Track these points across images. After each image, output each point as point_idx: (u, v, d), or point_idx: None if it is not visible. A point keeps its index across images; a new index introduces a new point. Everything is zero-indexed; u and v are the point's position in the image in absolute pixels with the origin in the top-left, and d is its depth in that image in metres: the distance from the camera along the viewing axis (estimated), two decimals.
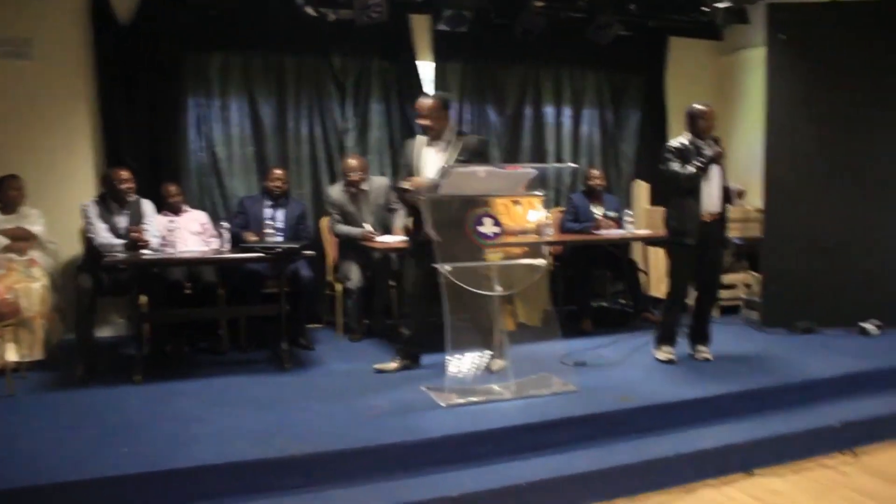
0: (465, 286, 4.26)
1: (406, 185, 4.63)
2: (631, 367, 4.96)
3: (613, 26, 6.77)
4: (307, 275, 5.51)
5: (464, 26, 6.50)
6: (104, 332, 5.90)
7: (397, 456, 3.55)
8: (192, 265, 5.44)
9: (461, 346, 4.30)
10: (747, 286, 6.62)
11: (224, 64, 6.27)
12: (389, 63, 6.71)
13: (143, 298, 5.01)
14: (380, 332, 5.93)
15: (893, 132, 6.00)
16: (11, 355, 4.62)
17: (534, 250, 4.80)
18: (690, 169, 4.83)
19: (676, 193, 5.00)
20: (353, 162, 5.99)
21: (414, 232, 4.78)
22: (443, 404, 4.09)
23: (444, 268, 4.25)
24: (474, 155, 4.63)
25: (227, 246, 5.07)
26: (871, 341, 5.71)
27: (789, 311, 6.02)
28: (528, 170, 4.55)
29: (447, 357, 4.23)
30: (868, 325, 5.85)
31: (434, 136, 4.69)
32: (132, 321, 5.44)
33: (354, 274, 5.78)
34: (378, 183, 6.10)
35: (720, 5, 5.67)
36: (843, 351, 5.38)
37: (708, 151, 4.84)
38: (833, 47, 6.02)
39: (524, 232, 5.45)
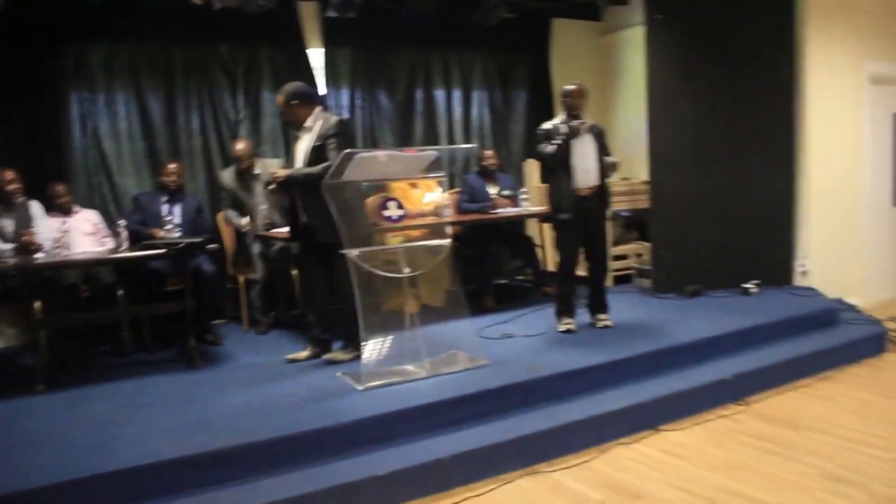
0: (374, 270, 4.33)
1: (275, 175, 4.67)
2: (536, 339, 5.14)
3: (499, 8, 6.90)
4: (210, 269, 5.44)
5: (352, 12, 6.48)
6: None
7: (321, 440, 3.60)
8: (90, 267, 5.25)
9: (373, 330, 4.35)
10: (638, 255, 6.94)
11: (107, 55, 6.03)
12: (279, 51, 6.63)
13: (37, 305, 4.81)
14: (286, 323, 5.92)
15: (766, 103, 6.40)
16: None
17: (435, 232, 4.91)
18: (550, 148, 5.08)
19: (551, 172, 5.28)
20: (239, 147, 5.93)
21: (293, 221, 4.85)
22: (359, 387, 4.15)
23: (352, 253, 4.31)
24: (330, 137, 4.62)
25: (126, 245, 4.94)
26: (752, 300, 6.12)
27: (678, 277, 6.36)
28: (428, 152, 4.62)
29: (361, 342, 4.27)
30: (749, 286, 6.25)
31: (296, 126, 4.78)
32: (27, 329, 5.20)
33: (257, 264, 5.74)
34: (272, 166, 6.02)
35: None
36: (728, 310, 5.75)
37: (564, 129, 5.07)
38: (707, 24, 6.36)
39: (423, 214, 5.58)
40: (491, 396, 4.08)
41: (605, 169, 5.18)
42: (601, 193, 5.20)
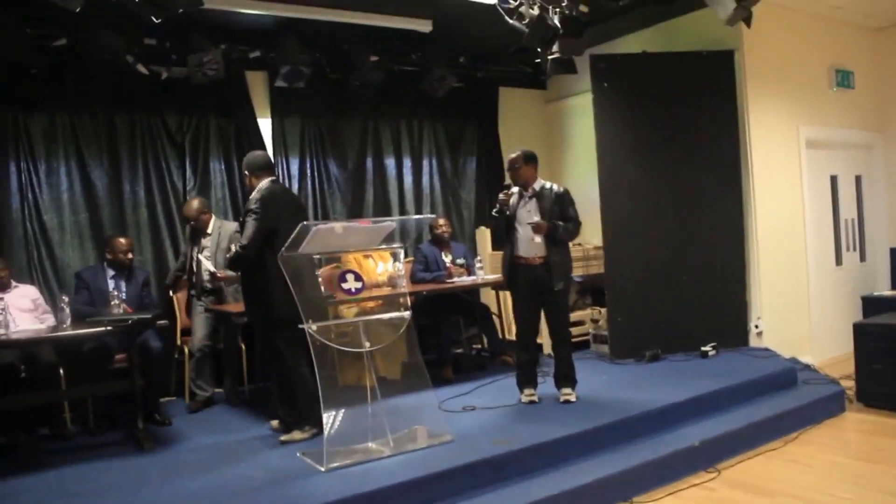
0: (333, 345, 4.19)
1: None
2: (499, 411, 5.01)
3: (446, 79, 6.96)
4: (157, 345, 5.21)
5: (301, 82, 6.45)
6: None
7: None
8: (32, 346, 4.93)
9: (332, 405, 4.17)
10: (594, 321, 6.91)
11: (49, 124, 5.84)
12: (227, 120, 6.53)
13: None
14: (234, 399, 5.69)
15: (712, 167, 6.52)
16: None
17: (393, 303, 4.81)
18: (493, 222, 5.15)
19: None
20: (193, 205, 5.85)
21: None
22: (322, 468, 3.95)
23: (311, 327, 4.16)
24: (249, 210, 4.59)
25: (68, 322, 4.69)
26: (711, 362, 6.12)
27: (636, 342, 6.35)
28: (386, 223, 4.54)
29: (323, 417, 4.09)
30: (707, 348, 6.26)
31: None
32: None
33: (199, 332, 5.55)
34: (229, 228, 5.91)
35: (550, 57, 5.96)
36: (689, 374, 5.73)
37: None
38: (651, 91, 6.52)
39: (378, 285, 5.48)
40: (460, 473, 3.92)
41: (564, 237, 5.08)
42: (547, 264, 5.02)
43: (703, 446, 4.59)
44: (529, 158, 5.10)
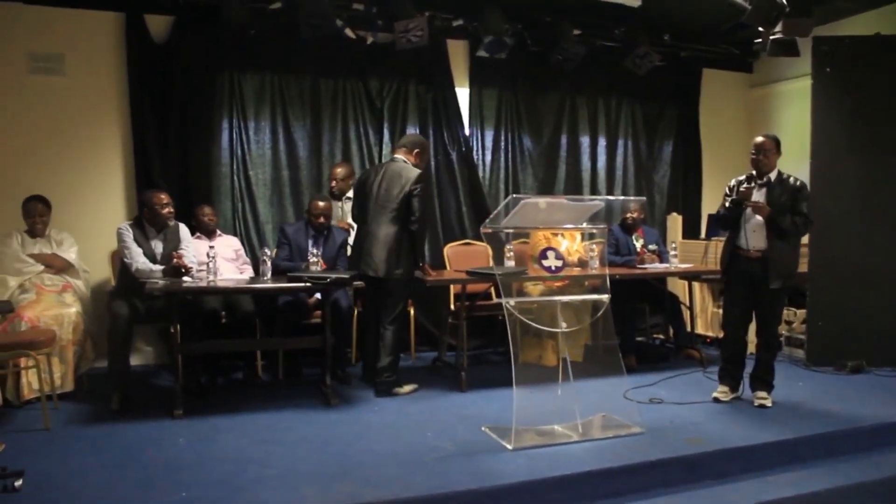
0: (532, 323, 4.11)
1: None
2: (688, 407, 4.77)
3: (650, 56, 6.67)
4: (346, 304, 5.32)
5: (503, 53, 6.37)
6: (132, 361, 5.66)
7: (474, 502, 3.34)
8: (235, 294, 5.17)
9: (527, 383, 4.09)
10: (788, 323, 6.47)
11: (260, 84, 6.09)
12: (426, 87, 6.56)
13: (178, 328, 4.76)
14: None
15: None
16: (45, 386, 4.36)
17: (583, 284, 4.66)
18: (722, 210, 4.81)
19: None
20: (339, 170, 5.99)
21: None
22: (509, 447, 3.89)
23: (509, 302, 4.09)
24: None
25: (269, 275, 4.87)
26: None
27: (837, 350, 5.88)
28: (595, 202, 4.38)
29: (514, 395, 4.01)
30: None
31: None
32: (169, 352, 5.18)
33: None
34: None
35: (772, 37, 5.55)
36: None
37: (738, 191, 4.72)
38: (877, 80, 5.96)
39: (569, 265, 5.34)
40: (650, 469, 3.75)
41: (781, 231, 4.67)
42: (764, 259, 4.69)
43: None
44: (778, 145, 4.79)
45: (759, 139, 4.78)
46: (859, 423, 4.46)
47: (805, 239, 5.69)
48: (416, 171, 5.01)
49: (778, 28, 5.51)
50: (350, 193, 5.88)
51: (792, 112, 7.29)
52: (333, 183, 5.98)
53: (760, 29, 5.60)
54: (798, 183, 4.75)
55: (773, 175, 4.75)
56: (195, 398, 4.76)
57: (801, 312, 6.31)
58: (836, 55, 5.97)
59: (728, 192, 4.86)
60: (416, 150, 5.22)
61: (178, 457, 3.74)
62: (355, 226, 5.65)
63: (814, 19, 5.52)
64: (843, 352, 5.86)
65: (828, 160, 5.99)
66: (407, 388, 5.09)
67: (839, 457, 4.24)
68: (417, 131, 6.51)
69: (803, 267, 6.10)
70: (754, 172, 4.79)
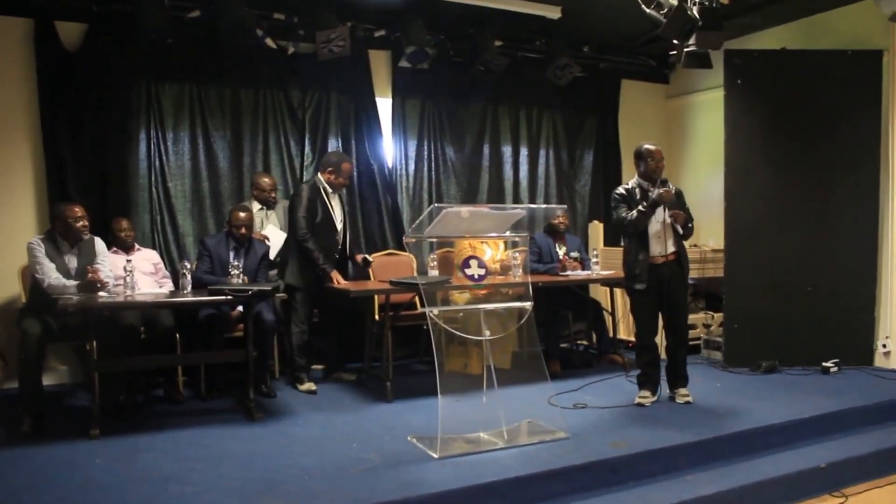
0: (455, 332, 4.13)
1: None
2: (611, 411, 4.85)
3: (571, 67, 6.81)
4: (270, 318, 5.24)
5: (425, 63, 6.41)
6: (46, 381, 5.45)
7: None
8: (151, 309, 5.03)
9: (452, 392, 4.10)
10: (706, 326, 6.65)
11: (178, 94, 5.97)
12: (348, 98, 6.53)
13: (94, 345, 4.60)
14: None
15: (849, 172, 6.17)
16: None
17: (507, 291, 4.71)
18: (633, 214, 4.83)
19: (626, 238, 5.04)
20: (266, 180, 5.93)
21: None
22: (435, 455, 3.89)
23: (432, 311, 4.10)
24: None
25: (189, 288, 4.77)
26: (833, 380, 5.78)
27: (751, 351, 6.08)
28: (516, 210, 4.43)
29: (440, 404, 4.00)
30: (829, 364, 5.93)
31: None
32: (86, 370, 5.01)
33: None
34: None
35: (686, 50, 5.72)
36: (810, 390, 5.42)
37: (653, 195, 4.82)
38: (785, 92, 6.20)
39: (492, 273, 5.39)
40: (576, 473, 3.79)
41: (686, 233, 4.94)
42: (677, 262, 4.93)
43: (829, 468, 4.32)
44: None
45: (655, 147, 4.94)
46: (773, 421, 4.62)
47: (716, 243, 5.90)
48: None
49: (692, 41, 5.67)
50: (283, 204, 5.90)
51: (707, 122, 7.53)
52: (271, 193, 5.89)
53: (675, 42, 5.75)
54: (677, 189, 5.02)
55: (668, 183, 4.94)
56: (113, 417, 4.61)
57: (718, 316, 6.51)
58: (746, 68, 6.20)
59: (621, 198, 4.94)
60: (328, 169, 5.52)
61: (95, 478, 3.61)
62: (271, 238, 5.62)
63: (725, 33, 5.71)
64: (758, 353, 6.06)
65: (741, 168, 6.20)
66: (306, 385, 5.38)
67: (756, 453, 4.39)
68: (339, 142, 6.49)
69: (719, 272, 6.31)
70: (636, 179, 4.97)
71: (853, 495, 4.25)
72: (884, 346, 6.17)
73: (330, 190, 5.55)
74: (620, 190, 5.00)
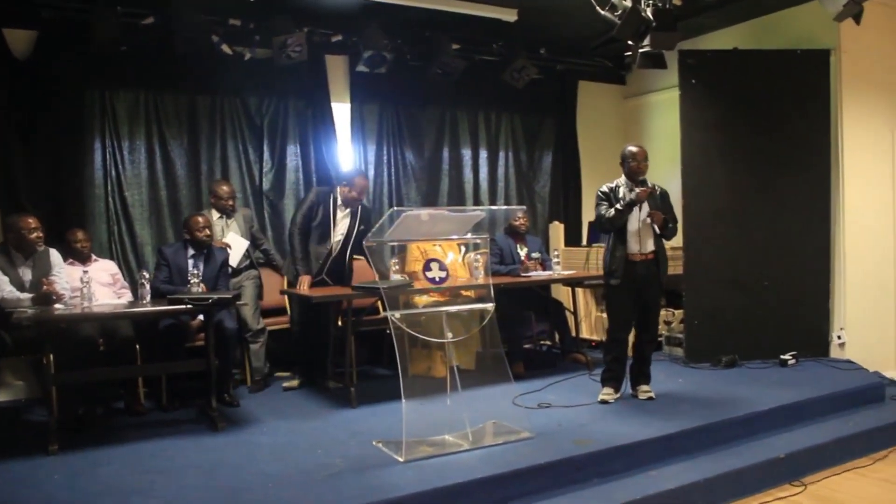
0: (418, 335, 4.13)
1: None
2: (576, 410, 4.88)
3: (528, 70, 6.85)
4: (231, 326, 5.19)
5: (382, 67, 6.41)
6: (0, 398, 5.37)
7: None
8: (109, 320, 4.95)
9: (416, 396, 4.10)
10: (667, 323, 6.73)
11: (133, 102, 5.90)
12: (305, 103, 6.50)
13: (50, 358, 4.51)
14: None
15: (801, 168, 6.29)
16: None
17: (467, 294, 4.73)
18: (611, 211, 4.90)
19: (607, 235, 5.10)
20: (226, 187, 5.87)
21: None
22: (400, 459, 3.88)
23: (394, 315, 4.10)
24: None
25: (148, 298, 4.71)
26: (792, 372, 5.90)
27: (712, 346, 6.17)
28: (475, 212, 4.44)
29: (404, 408, 4.00)
30: (787, 357, 6.04)
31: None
32: (42, 384, 4.91)
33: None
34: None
35: (641, 50, 5.79)
36: (769, 383, 5.53)
37: (630, 194, 4.89)
38: (738, 91, 6.31)
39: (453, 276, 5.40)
40: (541, 472, 3.82)
41: (666, 234, 5.01)
42: (656, 261, 4.98)
43: (788, 458, 4.40)
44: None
45: (638, 148, 5.00)
46: (734, 414, 4.70)
47: (676, 242, 5.97)
48: None
49: (646, 42, 5.73)
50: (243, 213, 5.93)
51: (664, 121, 7.63)
52: (229, 201, 5.83)
53: (630, 43, 5.82)
54: (662, 190, 5.07)
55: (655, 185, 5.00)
56: (72, 432, 4.51)
57: (679, 313, 6.59)
58: (699, 68, 6.29)
59: (604, 196, 5.01)
60: (343, 183, 5.61)
61: (54, 495, 3.54)
62: (233, 245, 5.58)
63: (678, 34, 5.78)
64: (718, 348, 6.15)
65: (697, 167, 6.28)
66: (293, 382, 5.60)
67: (717, 446, 4.46)
68: (298, 148, 6.48)
69: (679, 269, 6.39)
70: (621, 178, 5.01)
71: (812, 483, 4.34)
72: (838, 337, 6.30)
73: (340, 202, 5.58)
74: (604, 188, 5.05)
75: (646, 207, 4.92)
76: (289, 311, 6.15)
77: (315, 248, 5.57)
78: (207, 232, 5.22)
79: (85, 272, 4.72)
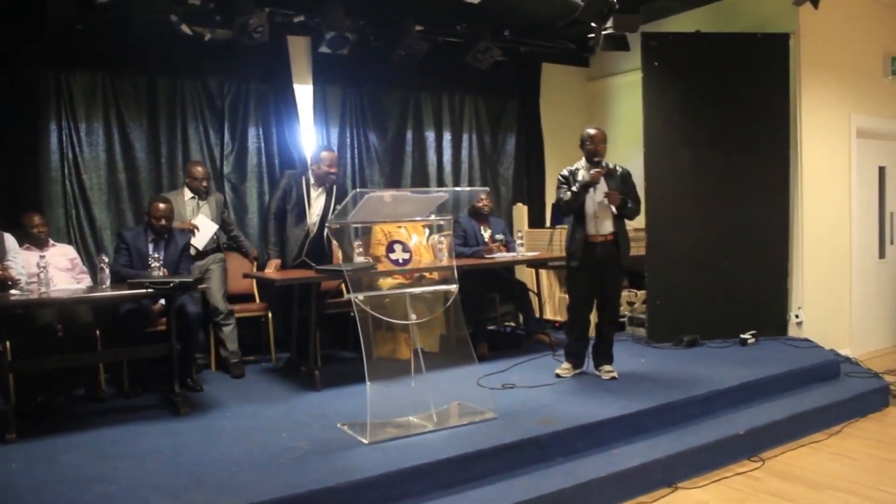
0: (381, 316, 4.13)
1: None
2: (539, 390, 4.93)
3: (491, 51, 6.84)
4: (194, 310, 5.14)
5: (345, 49, 6.34)
6: None
7: (331, 500, 3.32)
8: (68, 306, 4.87)
9: (381, 378, 4.10)
10: (630, 304, 6.80)
11: (90, 83, 5.77)
12: (267, 86, 6.43)
13: (7, 345, 4.42)
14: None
15: (761, 152, 6.36)
16: None
17: (442, 276, 4.74)
18: (568, 194, 4.94)
19: (567, 217, 5.14)
20: (201, 168, 5.82)
21: None
22: (365, 441, 3.89)
23: (358, 297, 4.09)
24: None
25: (108, 283, 4.64)
26: (751, 350, 6.01)
27: (674, 326, 6.25)
28: (438, 194, 4.44)
29: (368, 390, 4.00)
30: (746, 336, 6.15)
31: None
32: None
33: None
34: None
35: (604, 32, 5.82)
36: (729, 361, 5.63)
37: (584, 176, 4.92)
38: (700, 73, 6.35)
39: (417, 258, 5.40)
40: (505, 452, 3.85)
41: (627, 214, 5.05)
42: (616, 242, 5.02)
43: (747, 435, 4.50)
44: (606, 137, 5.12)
45: (596, 131, 5.04)
46: (695, 392, 4.78)
47: (638, 223, 6.03)
48: None
49: (609, 24, 5.77)
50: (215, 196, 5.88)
51: (627, 104, 7.66)
52: (203, 182, 5.75)
53: (593, 25, 5.84)
54: (623, 171, 5.10)
55: (604, 163, 5.01)
56: (31, 420, 4.45)
57: (641, 293, 6.66)
58: (662, 50, 6.33)
59: (564, 179, 5.05)
60: (312, 162, 5.77)
61: (12, 484, 3.48)
62: (201, 227, 5.53)
63: (641, 16, 5.83)
64: (680, 328, 6.24)
65: (659, 149, 6.33)
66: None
67: (679, 424, 4.55)
68: (260, 130, 6.42)
69: (641, 251, 6.46)
70: (581, 161, 5.04)
71: (770, 458, 4.46)
72: (796, 316, 6.42)
73: (313, 181, 5.64)
74: (564, 172, 5.09)
75: (603, 188, 4.96)
76: (257, 298, 6.12)
77: (293, 231, 5.61)
78: (164, 222, 5.14)
79: (42, 257, 4.63)
